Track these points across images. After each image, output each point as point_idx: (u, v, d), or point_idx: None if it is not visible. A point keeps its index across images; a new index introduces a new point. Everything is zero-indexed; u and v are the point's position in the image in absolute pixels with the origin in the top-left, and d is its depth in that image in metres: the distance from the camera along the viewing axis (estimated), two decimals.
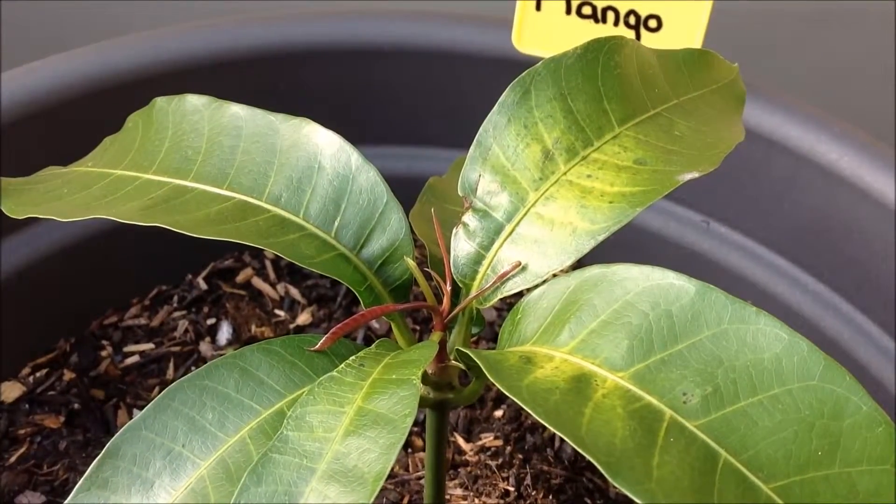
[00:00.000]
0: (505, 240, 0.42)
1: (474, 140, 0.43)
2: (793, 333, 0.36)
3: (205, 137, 0.45)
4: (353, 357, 0.39)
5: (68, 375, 0.70)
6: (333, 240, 0.43)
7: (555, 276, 0.40)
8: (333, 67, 0.74)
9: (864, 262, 0.66)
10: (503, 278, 0.41)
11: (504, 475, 0.62)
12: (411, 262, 0.42)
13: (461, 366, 0.42)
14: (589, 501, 0.62)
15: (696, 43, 0.65)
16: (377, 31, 0.74)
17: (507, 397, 0.60)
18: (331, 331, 0.39)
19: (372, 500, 0.33)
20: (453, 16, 0.75)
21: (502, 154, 0.42)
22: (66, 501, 0.38)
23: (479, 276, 0.42)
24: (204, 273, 0.77)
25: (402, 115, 0.77)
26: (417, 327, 0.74)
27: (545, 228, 0.41)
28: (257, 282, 0.77)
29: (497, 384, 0.35)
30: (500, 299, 0.42)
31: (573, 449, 0.64)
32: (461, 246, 0.42)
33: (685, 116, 0.45)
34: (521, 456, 0.64)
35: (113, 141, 0.49)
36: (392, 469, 0.63)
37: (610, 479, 0.32)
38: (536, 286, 0.41)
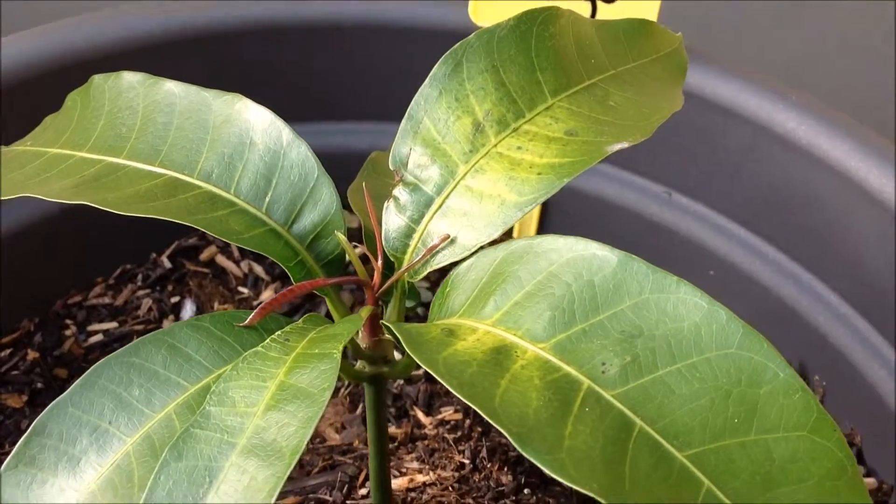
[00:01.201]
0: (435, 213, 0.42)
1: (406, 113, 0.43)
2: (712, 302, 0.36)
3: (139, 114, 0.45)
4: (279, 332, 0.39)
5: (32, 355, 0.70)
6: (264, 215, 0.43)
7: (483, 248, 0.40)
8: (276, 45, 0.74)
9: (821, 230, 0.66)
10: (432, 251, 0.41)
11: (461, 448, 0.62)
12: (342, 237, 0.42)
13: (394, 340, 0.42)
14: (546, 474, 0.62)
15: (652, 15, 0.65)
16: (320, 7, 0.73)
17: None
18: (259, 307, 0.39)
19: (288, 472, 0.33)
20: None
21: (433, 127, 0.42)
22: None
23: (410, 250, 0.42)
24: (168, 251, 0.77)
25: (352, 90, 0.77)
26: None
27: (474, 201, 0.41)
28: (221, 259, 0.77)
29: (415, 357, 0.35)
30: (437, 273, 0.42)
31: None
32: (392, 220, 0.42)
33: (622, 87, 0.45)
34: (479, 429, 0.65)
35: (53, 119, 0.49)
36: (351, 443, 0.63)
37: (519, 449, 0.32)
38: (465, 259, 0.41)
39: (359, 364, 0.44)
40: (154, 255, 0.77)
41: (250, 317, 0.39)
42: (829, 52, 1.02)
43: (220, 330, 0.41)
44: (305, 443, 0.34)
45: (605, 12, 0.66)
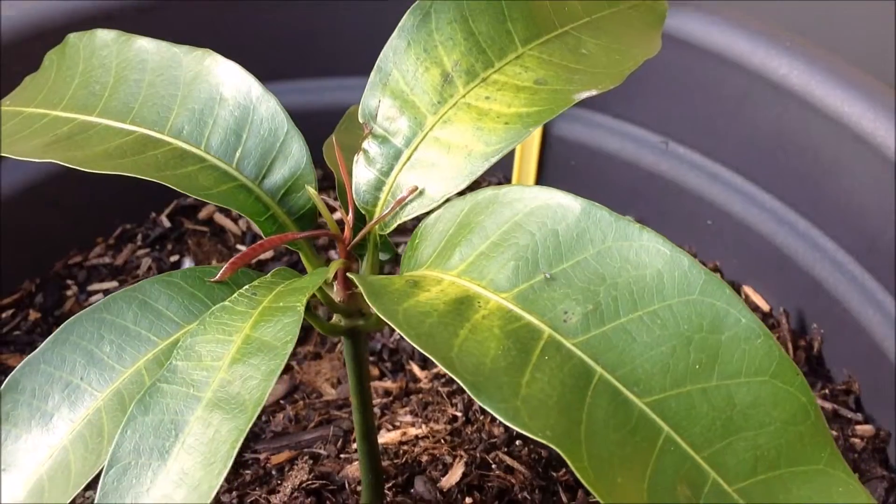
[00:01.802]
0: (404, 165, 0.41)
1: (375, 65, 0.42)
2: (674, 249, 0.35)
3: (112, 72, 0.45)
4: (247, 286, 0.39)
5: (33, 315, 0.71)
6: (235, 170, 0.43)
7: (451, 199, 0.40)
8: (251, 5, 0.73)
9: (817, 177, 0.65)
10: (401, 203, 0.41)
11: (454, 401, 0.63)
12: (312, 191, 0.42)
13: None
14: None
15: None
16: None
17: None
18: (229, 261, 0.39)
19: (250, 425, 0.34)
20: None
21: (402, 79, 0.42)
22: None
23: (380, 203, 0.42)
24: (167, 210, 0.78)
25: (327, 45, 0.76)
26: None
27: (442, 152, 0.41)
28: (220, 218, 0.77)
29: (374, 308, 0.35)
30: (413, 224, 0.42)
31: None
32: (362, 173, 0.42)
33: (596, 34, 0.45)
34: None
35: (31, 79, 0.49)
36: (347, 398, 0.64)
37: (473, 398, 0.32)
38: (434, 210, 0.41)
39: (335, 318, 0.44)
40: (153, 214, 0.78)
41: (220, 272, 0.39)
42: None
43: (190, 285, 0.41)
44: (267, 395, 0.34)
45: None
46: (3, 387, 0.39)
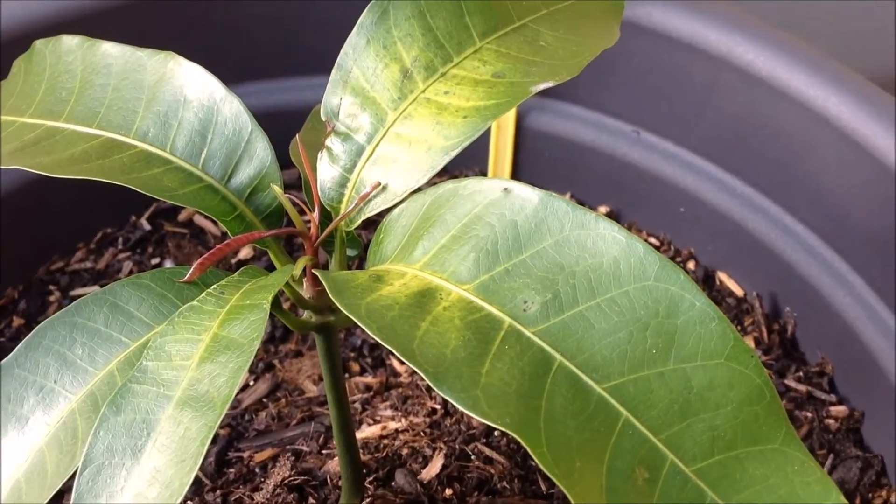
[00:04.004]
0: (366, 161, 0.42)
1: (335, 64, 0.43)
2: (630, 236, 0.36)
3: (78, 78, 0.46)
4: (215, 285, 0.40)
5: (17, 322, 0.71)
6: (200, 171, 0.43)
7: (413, 193, 0.41)
8: (212, 4, 0.74)
9: (787, 162, 0.66)
10: (364, 199, 0.42)
11: (433, 395, 0.63)
12: (278, 189, 0.43)
13: None
14: None
15: None
16: None
17: None
18: (197, 261, 0.40)
19: (219, 421, 0.34)
20: None
21: (362, 76, 0.43)
22: None
23: (345, 199, 0.43)
24: (147, 213, 0.78)
25: (286, 46, 0.77)
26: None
27: (403, 147, 0.41)
28: (199, 220, 0.78)
29: (337, 303, 0.36)
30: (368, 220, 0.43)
31: None
32: (326, 170, 0.43)
33: (553, 26, 0.45)
34: None
35: (1, 87, 0.49)
36: None
37: (435, 388, 0.33)
38: (397, 205, 0.41)
39: (305, 314, 0.45)
40: (133, 217, 0.78)
41: (189, 272, 0.40)
42: None
43: (160, 286, 0.41)
44: (235, 392, 0.35)
45: None
46: None
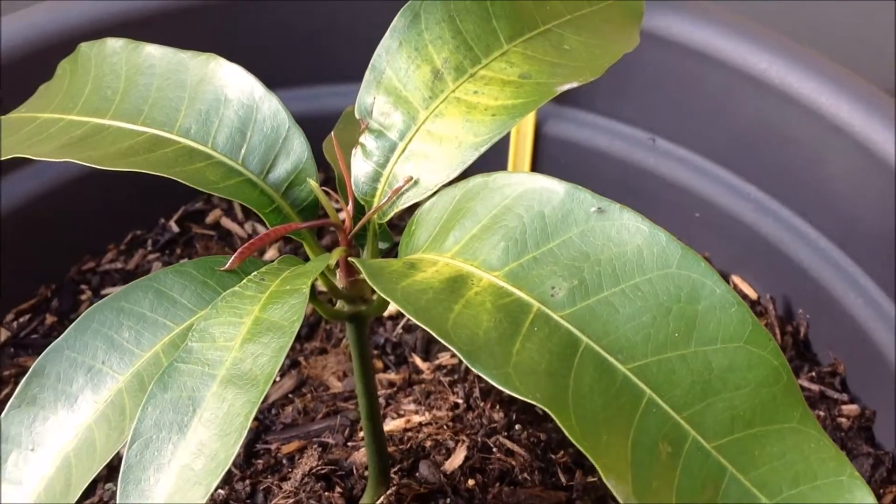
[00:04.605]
0: (399, 157, 0.44)
1: (369, 65, 0.45)
2: (653, 226, 0.38)
3: (122, 78, 0.48)
4: (255, 272, 0.42)
5: (50, 319, 0.74)
6: (240, 166, 0.45)
7: (444, 187, 0.43)
8: (251, 14, 0.76)
9: (798, 167, 0.68)
10: (397, 193, 0.44)
11: (455, 390, 0.65)
12: (314, 183, 0.45)
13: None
14: (539, 411, 0.65)
15: None
16: None
17: None
18: (238, 250, 0.42)
19: (262, 398, 0.36)
20: None
21: (395, 76, 0.45)
22: None
23: (378, 193, 0.45)
24: (175, 216, 0.81)
25: (319, 54, 0.79)
26: None
27: (434, 144, 0.43)
28: (226, 222, 0.80)
29: (374, 287, 0.37)
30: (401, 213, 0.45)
31: None
32: (360, 165, 0.45)
33: (577, 31, 0.47)
34: (474, 372, 0.67)
35: (45, 88, 0.52)
36: (352, 390, 0.66)
37: (469, 366, 0.35)
38: (428, 198, 0.43)
39: (338, 304, 0.47)
40: (162, 220, 0.80)
41: (230, 261, 0.42)
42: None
43: (202, 274, 0.43)
44: (277, 370, 0.37)
45: None
46: (29, 372, 0.41)
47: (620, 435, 0.34)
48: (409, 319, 0.72)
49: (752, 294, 0.74)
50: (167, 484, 0.36)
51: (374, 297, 0.47)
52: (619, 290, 0.37)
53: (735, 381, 0.36)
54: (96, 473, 0.39)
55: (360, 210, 0.45)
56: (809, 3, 0.98)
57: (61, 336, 0.42)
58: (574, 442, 0.34)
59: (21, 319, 0.74)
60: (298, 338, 0.71)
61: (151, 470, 0.36)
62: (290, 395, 0.67)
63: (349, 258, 0.43)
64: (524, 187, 0.40)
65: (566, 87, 0.43)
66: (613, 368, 0.36)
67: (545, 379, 0.35)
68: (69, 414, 0.41)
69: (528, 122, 0.78)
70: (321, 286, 0.46)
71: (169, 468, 0.36)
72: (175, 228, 0.80)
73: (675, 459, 0.35)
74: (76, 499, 0.39)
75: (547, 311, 0.37)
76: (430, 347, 0.70)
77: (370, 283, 0.38)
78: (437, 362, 0.69)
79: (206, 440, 0.36)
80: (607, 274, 0.38)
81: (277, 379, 0.68)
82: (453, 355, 0.69)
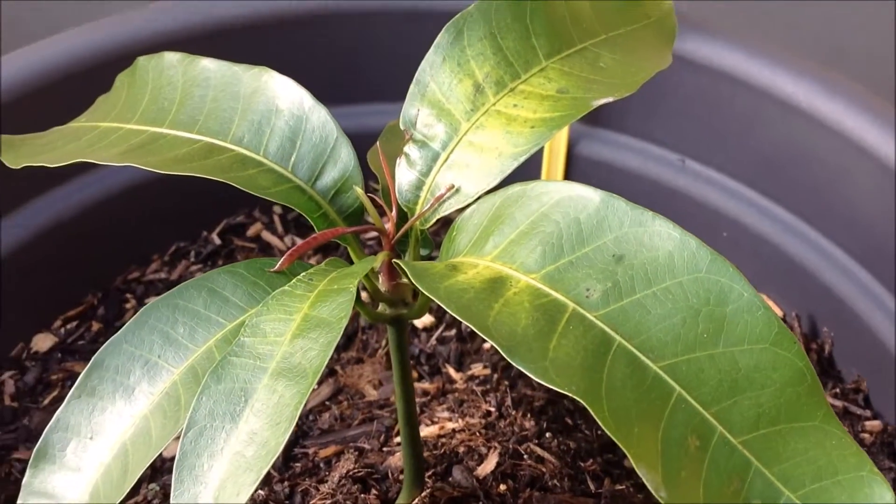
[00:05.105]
0: (441, 166, 0.46)
1: (413, 79, 0.47)
2: (684, 233, 0.40)
3: (179, 89, 0.50)
4: (304, 273, 0.44)
5: (96, 326, 0.76)
6: (290, 173, 0.48)
7: (484, 195, 0.45)
8: (300, 34, 0.79)
9: (824, 188, 0.70)
10: (439, 200, 0.46)
11: (488, 399, 0.67)
12: (359, 190, 0.47)
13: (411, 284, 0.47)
14: (569, 421, 0.67)
15: None
16: None
17: None
18: (287, 252, 0.44)
19: (311, 389, 0.38)
20: None
21: (438, 90, 0.47)
22: (60, 408, 0.44)
23: (420, 201, 0.47)
24: (217, 229, 0.83)
25: (375, 75, 0.82)
26: None
27: (475, 154, 0.46)
28: (266, 235, 0.83)
29: (418, 286, 0.40)
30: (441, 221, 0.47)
31: None
32: (404, 174, 0.47)
33: (612, 49, 0.49)
34: (506, 382, 0.69)
35: (104, 99, 0.54)
36: (388, 398, 0.68)
37: (508, 358, 0.37)
38: (469, 205, 0.45)
39: (380, 307, 0.49)
40: (205, 232, 0.83)
41: (280, 262, 0.44)
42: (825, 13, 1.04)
43: (252, 275, 0.46)
44: (325, 363, 0.39)
45: None
46: (89, 365, 0.44)
47: (651, 428, 0.36)
48: (442, 331, 0.74)
49: (778, 312, 0.75)
50: (220, 470, 0.38)
51: (415, 301, 0.49)
52: (651, 292, 0.39)
53: (761, 380, 0.38)
54: (152, 461, 0.42)
55: (402, 217, 0.47)
56: (814, 6, 0.99)
57: (119, 331, 0.44)
58: (607, 431, 0.35)
59: (68, 326, 0.76)
60: (336, 347, 0.73)
61: (205, 457, 0.38)
62: (327, 403, 0.69)
63: (393, 261, 0.45)
64: (561, 195, 0.42)
65: (602, 101, 0.45)
66: (645, 366, 0.38)
67: (580, 373, 0.37)
68: (126, 404, 0.43)
69: (561, 142, 0.80)
70: (364, 292, 0.48)
71: (222, 455, 0.38)
72: (217, 241, 0.82)
73: (703, 452, 0.36)
74: (132, 485, 0.42)
75: (582, 311, 0.39)
76: (462, 359, 0.72)
77: (414, 283, 0.40)
78: (469, 373, 0.71)
79: (258, 429, 0.38)
80: (640, 277, 0.40)
81: (315, 387, 0.70)
82: (485, 366, 0.71)
